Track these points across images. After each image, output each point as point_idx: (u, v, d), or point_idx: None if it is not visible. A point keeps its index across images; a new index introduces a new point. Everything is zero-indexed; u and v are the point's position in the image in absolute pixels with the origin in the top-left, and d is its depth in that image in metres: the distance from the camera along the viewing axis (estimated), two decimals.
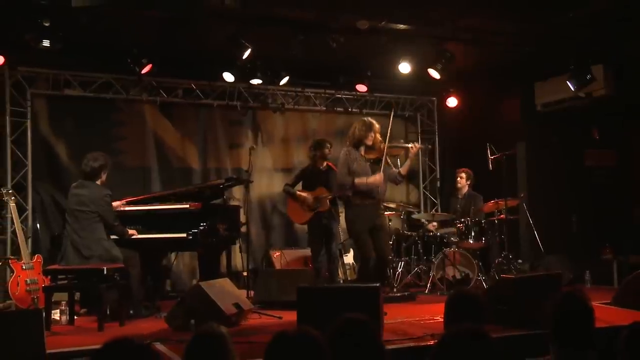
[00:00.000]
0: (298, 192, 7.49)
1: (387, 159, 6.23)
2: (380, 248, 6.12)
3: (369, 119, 6.31)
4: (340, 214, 8.07)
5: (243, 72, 8.10)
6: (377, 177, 6.07)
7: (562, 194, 8.93)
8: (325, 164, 7.54)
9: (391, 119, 6.40)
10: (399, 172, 6.37)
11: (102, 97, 8.28)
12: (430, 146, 9.10)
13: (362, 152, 6.21)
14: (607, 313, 5.36)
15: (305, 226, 7.74)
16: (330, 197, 7.26)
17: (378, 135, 6.22)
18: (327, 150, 7.51)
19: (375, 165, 6.19)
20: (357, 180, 6.06)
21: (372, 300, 4.77)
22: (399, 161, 6.61)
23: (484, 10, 6.93)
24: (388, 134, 6.22)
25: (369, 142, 6.19)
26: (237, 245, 7.66)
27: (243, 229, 7.38)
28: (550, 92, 8.69)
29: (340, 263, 8.30)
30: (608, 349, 2.72)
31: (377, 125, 6.22)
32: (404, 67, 8.10)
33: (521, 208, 8.25)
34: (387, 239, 6.54)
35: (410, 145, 6.36)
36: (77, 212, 5.81)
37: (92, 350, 4.52)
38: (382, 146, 6.17)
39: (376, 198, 6.19)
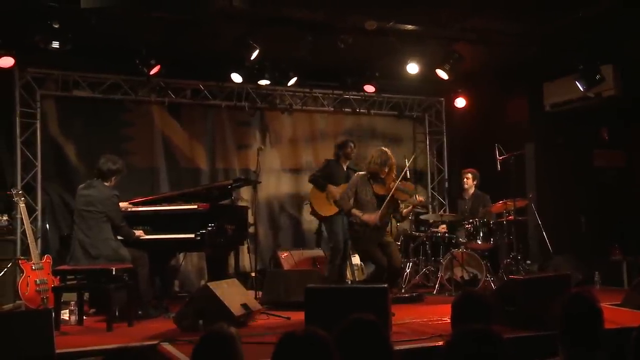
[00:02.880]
0: (330, 186, 7.28)
1: (393, 198, 6.18)
2: (392, 261, 6.10)
3: (388, 152, 6.22)
4: None
5: (251, 73, 8.11)
6: (372, 217, 6.04)
7: (571, 194, 8.89)
8: (347, 163, 7.49)
9: (407, 166, 6.51)
10: (401, 214, 6.42)
11: (110, 98, 8.32)
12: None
13: (373, 184, 6.18)
14: (617, 314, 5.34)
15: (313, 227, 7.72)
16: None
17: (394, 169, 6.21)
18: (349, 150, 7.44)
19: (379, 201, 6.16)
20: (353, 211, 6.10)
21: (380, 300, 4.78)
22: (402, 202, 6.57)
23: (491, 10, 6.91)
24: (402, 174, 6.26)
25: (382, 176, 6.18)
26: (245, 246, 7.67)
27: (251, 229, 7.39)
28: (558, 93, 8.66)
29: (347, 264, 8.29)
30: (618, 350, 2.71)
31: (393, 160, 6.20)
32: (412, 68, 8.09)
33: (529, 209, 8.22)
34: (397, 250, 6.54)
35: (415, 196, 6.41)
36: (84, 213, 5.84)
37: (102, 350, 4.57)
38: (391, 185, 6.15)
39: (377, 226, 6.16)
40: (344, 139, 7.84)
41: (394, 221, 8.10)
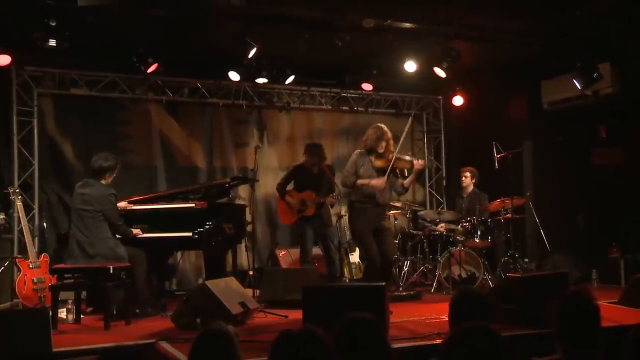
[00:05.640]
0: (287, 195, 7.63)
1: (394, 170, 6.22)
2: (384, 249, 6.10)
3: (383, 127, 6.30)
4: (343, 216, 8.20)
5: (249, 71, 8.09)
6: (380, 181, 6.07)
7: (569, 192, 8.88)
8: (317, 168, 7.59)
9: (406, 130, 6.48)
10: (402, 184, 6.37)
11: (108, 96, 8.29)
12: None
13: (372, 159, 6.23)
14: (614, 312, 5.35)
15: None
16: (316, 202, 7.42)
17: (391, 143, 6.25)
18: (306, 156, 7.66)
19: (381, 174, 6.19)
20: (359, 181, 6.11)
21: (378, 299, 4.78)
22: (406, 171, 6.56)
23: (490, 8, 6.90)
24: (400, 144, 6.25)
25: (380, 150, 6.21)
26: (243, 244, 7.66)
27: (249, 227, 7.39)
28: (557, 91, 8.66)
29: (345, 262, 8.30)
30: (615, 348, 2.71)
31: (389, 134, 6.25)
32: (410, 66, 8.08)
33: (527, 207, 8.22)
34: (391, 239, 6.53)
35: (415, 161, 6.35)
36: (81, 211, 5.83)
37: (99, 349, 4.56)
38: (390, 157, 6.18)
39: (378, 202, 6.18)
40: (308, 143, 8.04)
41: (392, 219, 8.12)
